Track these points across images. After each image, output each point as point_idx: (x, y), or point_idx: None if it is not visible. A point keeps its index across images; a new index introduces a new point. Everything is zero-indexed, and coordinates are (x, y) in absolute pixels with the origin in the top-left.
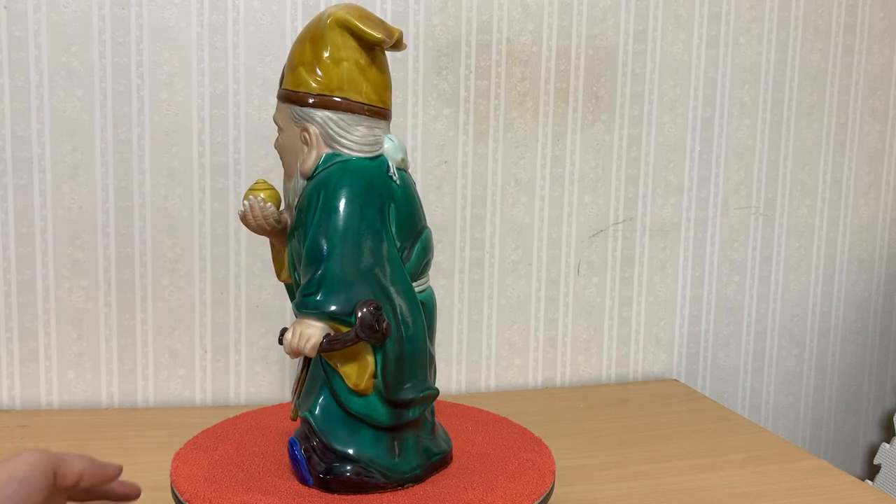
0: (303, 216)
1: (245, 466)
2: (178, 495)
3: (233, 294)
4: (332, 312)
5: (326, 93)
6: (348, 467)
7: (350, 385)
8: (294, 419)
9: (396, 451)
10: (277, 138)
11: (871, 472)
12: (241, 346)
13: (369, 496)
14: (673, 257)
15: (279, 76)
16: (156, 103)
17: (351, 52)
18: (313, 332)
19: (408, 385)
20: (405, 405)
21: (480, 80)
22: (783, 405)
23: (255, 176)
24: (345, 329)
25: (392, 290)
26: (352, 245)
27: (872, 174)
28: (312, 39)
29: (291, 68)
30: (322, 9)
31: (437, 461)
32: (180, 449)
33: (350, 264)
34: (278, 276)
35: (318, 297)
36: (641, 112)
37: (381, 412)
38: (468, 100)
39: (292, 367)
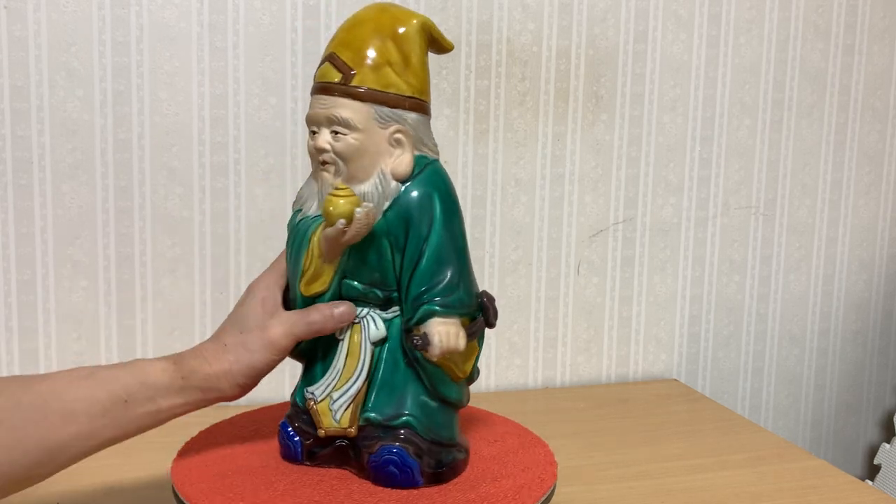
0: (415, 219)
1: (246, 466)
2: (179, 495)
3: (233, 294)
4: (471, 308)
5: (417, 95)
6: (452, 454)
7: (459, 374)
8: (352, 432)
9: (459, 427)
10: (338, 140)
11: (871, 472)
12: None
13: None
14: (673, 257)
15: (280, 77)
16: (156, 103)
17: (427, 56)
18: (458, 329)
19: None
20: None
21: (480, 80)
22: (783, 405)
23: (256, 176)
24: (466, 321)
25: None
26: (467, 243)
27: (872, 174)
28: (396, 40)
29: (374, 67)
30: (322, 8)
31: None
32: (180, 449)
33: (469, 261)
34: (305, 286)
35: (462, 297)
36: (641, 112)
37: (466, 392)
38: (468, 100)
39: (292, 368)
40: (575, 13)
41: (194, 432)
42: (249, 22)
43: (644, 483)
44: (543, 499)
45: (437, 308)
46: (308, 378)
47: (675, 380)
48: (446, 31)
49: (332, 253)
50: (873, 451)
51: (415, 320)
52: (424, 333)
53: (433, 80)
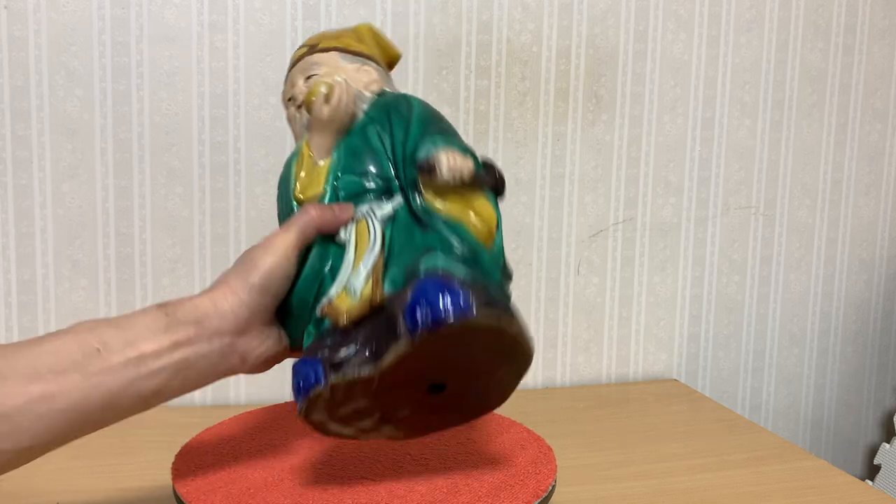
0: (394, 106)
1: (248, 465)
2: (179, 495)
3: None
4: (471, 156)
5: (374, 58)
6: (505, 294)
7: (481, 228)
8: (377, 299)
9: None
10: (311, 79)
11: (871, 472)
12: None
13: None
14: (673, 257)
15: (280, 77)
16: (156, 103)
17: (378, 57)
18: (464, 155)
19: None
20: (509, 279)
21: (480, 80)
22: (783, 405)
23: (256, 176)
24: None
25: None
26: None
27: (872, 174)
28: (351, 32)
29: (335, 39)
30: (322, 9)
31: None
32: (181, 449)
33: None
34: (301, 191)
35: (461, 144)
36: (641, 112)
37: (507, 277)
38: (468, 100)
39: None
40: (575, 13)
41: (195, 432)
42: (249, 22)
43: (644, 483)
44: (543, 498)
45: (439, 143)
46: (318, 300)
47: (675, 380)
48: (446, 30)
49: (321, 138)
50: (873, 451)
51: (420, 158)
52: (431, 158)
53: (433, 81)
